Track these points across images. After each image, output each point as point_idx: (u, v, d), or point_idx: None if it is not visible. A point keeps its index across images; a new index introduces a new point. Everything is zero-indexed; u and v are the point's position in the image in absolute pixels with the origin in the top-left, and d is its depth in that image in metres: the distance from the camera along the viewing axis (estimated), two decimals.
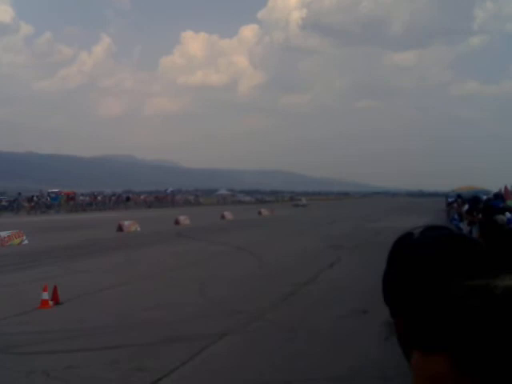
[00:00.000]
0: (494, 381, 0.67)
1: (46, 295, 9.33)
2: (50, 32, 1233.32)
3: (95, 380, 5.97)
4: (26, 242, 20.83)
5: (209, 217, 38.53)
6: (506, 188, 20.91)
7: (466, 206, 13.98)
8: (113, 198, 64.33)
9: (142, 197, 72.97)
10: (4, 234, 20.51)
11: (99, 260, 15.90)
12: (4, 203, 49.46)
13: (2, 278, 12.41)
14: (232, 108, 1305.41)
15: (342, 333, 7.82)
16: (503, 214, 7.73)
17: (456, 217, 18.27)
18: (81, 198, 60.03)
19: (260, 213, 46.64)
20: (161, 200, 72.13)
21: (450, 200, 32.38)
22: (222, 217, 38.75)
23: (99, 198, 62.10)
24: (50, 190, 60.72)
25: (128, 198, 65.39)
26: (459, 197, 21.70)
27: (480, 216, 9.90)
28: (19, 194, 53.51)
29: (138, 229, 27.75)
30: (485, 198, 15.17)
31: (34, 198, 50.77)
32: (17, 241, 20.68)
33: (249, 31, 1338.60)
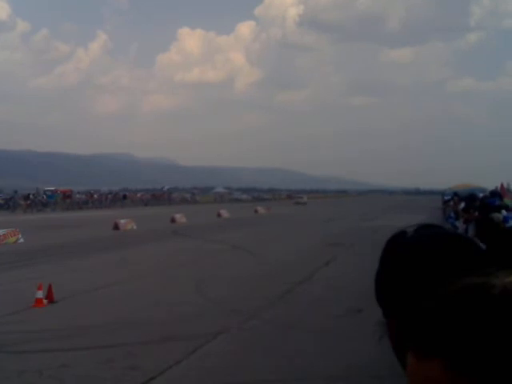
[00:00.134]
0: (492, 382, 0.64)
1: (40, 294, 9.30)
2: (46, 29, 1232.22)
3: (89, 379, 5.94)
4: (21, 240, 20.76)
5: (205, 215, 38.52)
6: (502, 186, 20.98)
7: (463, 204, 13.97)
8: (109, 196, 64.30)
9: (138, 195, 73.01)
10: None
11: (95, 259, 15.86)
12: (0, 201, 49.32)
13: None
14: (229, 105, 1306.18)
15: (338, 332, 7.81)
16: (499, 212, 7.71)
17: (452, 215, 18.30)
18: (77, 196, 59.90)
19: (256, 211, 46.68)
20: (157, 198, 72.25)
21: (446, 198, 32.43)
22: (219, 215, 38.75)
23: (95, 196, 62.06)
24: (46, 188, 60.63)
25: (125, 196, 65.41)
26: (455, 195, 21.73)
27: (476, 214, 9.90)
28: (15, 192, 53.40)
29: (134, 227, 27.72)
30: (481, 195, 15.17)
31: (31, 196, 50.62)
32: (12, 239, 20.60)
33: (246, 28, 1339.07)
